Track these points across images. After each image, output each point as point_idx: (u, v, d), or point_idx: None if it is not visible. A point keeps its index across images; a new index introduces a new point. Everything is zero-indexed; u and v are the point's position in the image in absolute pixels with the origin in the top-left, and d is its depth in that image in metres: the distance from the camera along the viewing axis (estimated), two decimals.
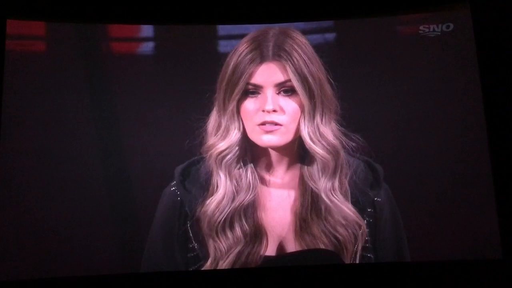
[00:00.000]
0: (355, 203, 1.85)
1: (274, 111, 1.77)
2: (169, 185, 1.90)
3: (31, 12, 2.17)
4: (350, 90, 2.09)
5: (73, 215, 2.04)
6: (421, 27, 2.19)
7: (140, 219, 2.05)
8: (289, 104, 1.79)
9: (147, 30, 2.25)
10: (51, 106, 2.10)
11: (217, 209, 1.82)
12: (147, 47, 2.27)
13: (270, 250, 1.87)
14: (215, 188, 1.84)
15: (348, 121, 1.92)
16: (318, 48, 2.12)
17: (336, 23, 2.25)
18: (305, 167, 1.84)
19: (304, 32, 2.14)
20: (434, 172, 2.09)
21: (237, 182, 1.83)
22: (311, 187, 1.83)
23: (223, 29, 2.21)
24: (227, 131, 1.82)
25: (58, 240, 2.02)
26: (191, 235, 1.86)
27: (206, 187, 1.86)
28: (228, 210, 1.82)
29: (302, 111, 1.79)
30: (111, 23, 2.21)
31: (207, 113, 1.90)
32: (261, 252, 1.84)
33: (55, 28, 2.16)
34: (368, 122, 2.09)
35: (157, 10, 2.23)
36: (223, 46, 2.19)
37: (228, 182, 1.82)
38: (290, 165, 1.87)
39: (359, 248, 1.84)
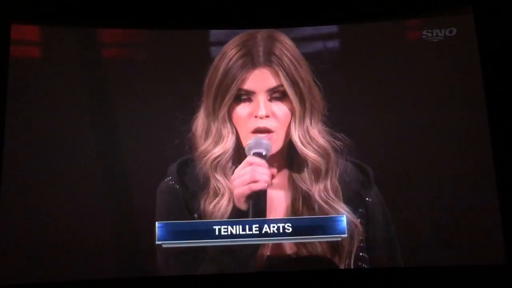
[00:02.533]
0: (348, 203, 1.86)
1: (267, 116, 1.79)
2: (164, 181, 1.92)
3: (34, 17, 2.21)
4: (352, 95, 2.12)
5: (72, 218, 2.06)
6: (424, 32, 2.20)
7: (138, 222, 2.04)
8: (281, 109, 1.82)
9: (143, 35, 2.28)
10: (52, 109, 2.14)
11: (225, 213, 1.84)
12: (143, 52, 2.30)
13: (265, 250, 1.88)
14: (218, 191, 1.85)
15: (349, 125, 1.96)
16: (321, 54, 2.16)
17: (339, 28, 2.26)
18: (295, 168, 1.86)
19: (308, 38, 2.17)
20: (437, 175, 2.08)
21: None
22: (301, 188, 1.83)
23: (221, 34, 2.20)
24: (219, 136, 1.83)
25: (56, 244, 2.04)
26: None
27: (205, 189, 1.86)
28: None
29: (293, 114, 1.82)
30: (112, 28, 2.26)
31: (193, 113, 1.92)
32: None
33: (55, 33, 2.21)
34: (370, 126, 2.10)
35: (152, 15, 2.27)
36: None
37: (229, 184, 1.83)
38: (279, 167, 1.88)
39: (355, 246, 1.83)
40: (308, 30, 2.21)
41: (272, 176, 1.77)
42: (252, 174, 1.71)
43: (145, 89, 2.16)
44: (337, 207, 1.83)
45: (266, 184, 1.72)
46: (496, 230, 2.02)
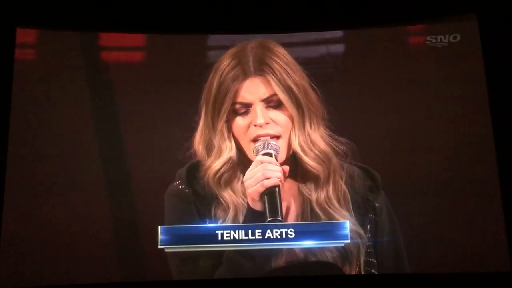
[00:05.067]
0: (357, 208, 1.84)
1: (267, 123, 1.77)
2: (173, 185, 1.90)
3: (39, 21, 2.22)
4: (357, 99, 2.11)
5: (74, 222, 2.05)
6: (428, 38, 2.20)
7: (141, 226, 2.04)
8: (280, 117, 1.80)
9: (145, 39, 2.29)
10: (55, 112, 2.14)
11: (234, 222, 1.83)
12: (147, 55, 2.30)
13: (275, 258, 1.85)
14: (225, 207, 1.83)
15: (353, 130, 1.95)
16: (324, 58, 2.16)
17: (344, 33, 2.27)
18: (299, 177, 1.84)
19: (312, 42, 2.17)
20: (441, 181, 2.07)
21: (244, 195, 1.81)
22: (307, 196, 1.83)
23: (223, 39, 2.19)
24: (220, 150, 1.82)
25: (58, 247, 2.03)
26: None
27: (216, 199, 1.84)
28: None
29: (292, 122, 1.79)
30: (115, 32, 2.26)
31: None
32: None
33: (59, 37, 2.21)
34: (373, 131, 2.10)
35: (153, 20, 2.28)
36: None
37: (234, 199, 1.82)
38: (288, 176, 1.83)
39: (363, 253, 1.82)
40: (312, 35, 2.21)
41: (284, 173, 1.75)
42: (264, 171, 1.69)
43: (149, 93, 2.16)
44: (336, 215, 1.81)
45: (279, 180, 1.70)
46: (501, 238, 2.01)
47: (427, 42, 2.20)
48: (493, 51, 2.17)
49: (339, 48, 2.27)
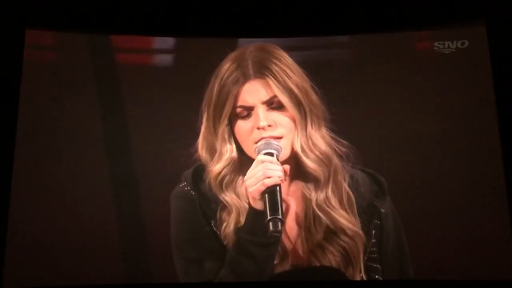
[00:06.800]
0: (362, 213, 1.83)
1: (269, 126, 1.77)
2: (179, 186, 1.89)
3: (49, 22, 2.24)
4: (363, 104, 2.11)
5: (80, 223, 2.06)
6: (436, 44, 2.20)
7: (146, 228, 2.05)
8: (282, 118, 1.79)
9: (161, 41, 2.30)
10: (64, 114, 2.16)
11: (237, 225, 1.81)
12: (157, 58, 2.33)
13: (279, 262, 1.84)
14: (229, 210, 1.83)
15: (358, 135, 1.94)
16: (331, 63, 2.17)
17: (352, 38, 2.27)
18: (302, 178, 1.83)
19: (319, 46, 2.18)
20: (447, 188, 2.07)
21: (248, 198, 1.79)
22: (309, 197, 1.81)
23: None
24: (220, 154, 1.82)
25: (62, 248, 2.04)
26: (217, 230, 1.85)
27: (221, 202, 1.84)
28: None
29: (295, 123, 1.79)
30: (123, 34, 2.27)
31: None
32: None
33: (70, 38, 2.23)
34: (379, 136, 2.10)
35: (175, 22, 2.29)
36: None
37: (236, 201, 1.81)
38: (292, 176, 1.84)
39: (365, 255, 1.81)
40: (319, 40, 2.21)
41: (285, 172, 1.73)
42: (264, 170, 1.67)
43: (158, 96, 2.18)
44: (337, 217, 1.79)
45: (279, 179, 1.69)
46: (508, 244, 1.99)
47: (434, 48, 2.19)
48: (501, 58, 2.16)
49: (346, 53, 2.27)
